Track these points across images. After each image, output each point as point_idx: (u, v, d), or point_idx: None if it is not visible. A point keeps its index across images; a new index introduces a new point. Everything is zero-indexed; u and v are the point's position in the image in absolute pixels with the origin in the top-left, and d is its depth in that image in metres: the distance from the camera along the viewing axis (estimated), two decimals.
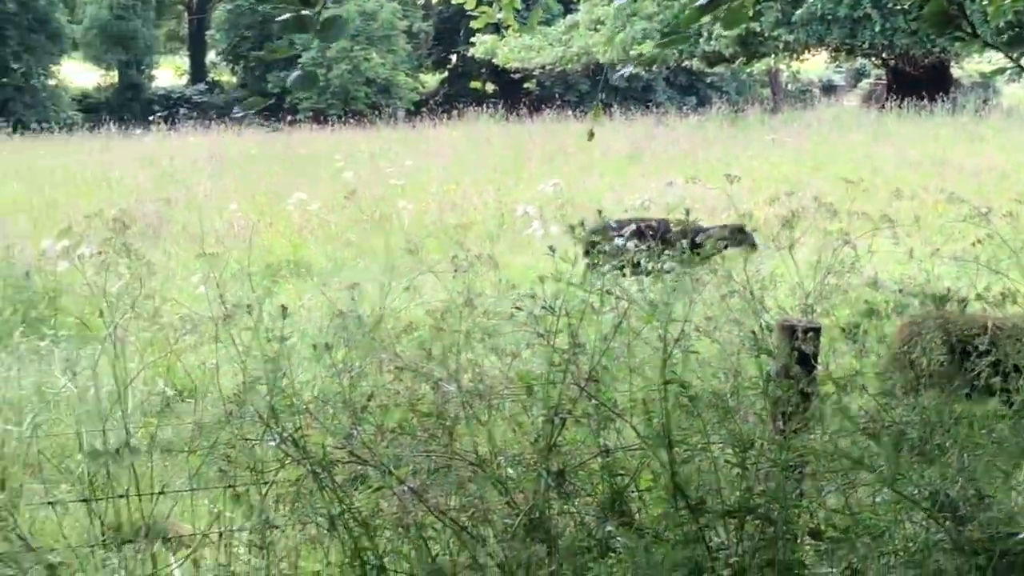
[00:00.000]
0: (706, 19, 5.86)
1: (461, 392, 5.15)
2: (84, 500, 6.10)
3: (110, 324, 6.26)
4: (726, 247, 12.79)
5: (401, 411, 5.21)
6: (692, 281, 5.42)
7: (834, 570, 4.83)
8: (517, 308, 5.20)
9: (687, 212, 6.60)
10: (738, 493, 4.94)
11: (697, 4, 5.42)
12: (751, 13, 5.76)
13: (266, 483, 5.28)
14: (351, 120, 51.61)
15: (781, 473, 4.90)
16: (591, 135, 10.25)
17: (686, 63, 49.93)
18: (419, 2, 67.44)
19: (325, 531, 5.04)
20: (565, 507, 5.10)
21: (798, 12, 43.21)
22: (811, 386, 5.18)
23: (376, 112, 55.04)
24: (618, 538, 4.94)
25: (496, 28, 9.77)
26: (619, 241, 13.06)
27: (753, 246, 13.21)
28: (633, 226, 15.34)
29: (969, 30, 4.93)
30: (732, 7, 5.46)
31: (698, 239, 5.68)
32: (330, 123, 50.75)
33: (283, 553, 5.49)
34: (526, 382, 5.15)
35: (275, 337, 5.21)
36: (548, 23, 49.72)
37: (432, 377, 5.24)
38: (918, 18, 41.38)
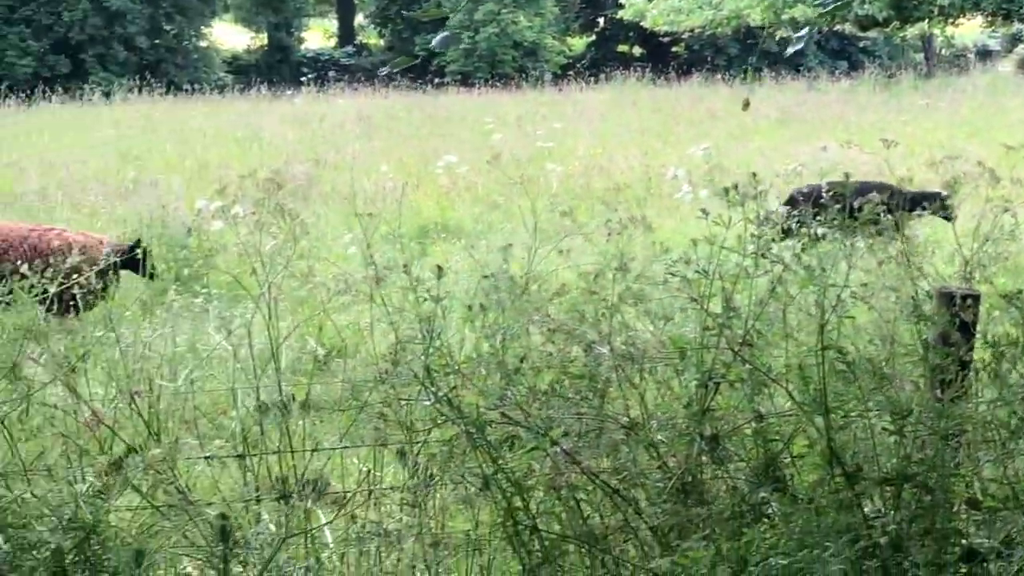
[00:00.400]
0: None
1: (613, 355, 5.14)
2: (239, 456, 6.19)
3: (263, 283, 6.33)
4: (922, 211, 12.45)
5: (553, 373, 5.21)
6: (848, 246, 5.35)
7: (992, 540, 4.76)
8: (671, 273, 5.17)
9: (847, 176, 6.52)
10: (895, 461, 4.87)
11: None
12: None
13: (418, 443, 5.32)
14: (497, 83, 51.64)
15: (940, 441, 4.83)
16: (746, 104, 10.13)
17: (838, 27, 49.26)
18: None
19: (477, 491, 5.06)
20: (718, 472, 5.07)
21: None
22: (969, 354, 5.11)
23: (522, 75, 55.01)
24: (772, 504, 4.91)
25: None
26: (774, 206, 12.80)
27: (948, 218, 12.61)
28: (803, 190, 15.10)
29: None
30: None
31: (856, 203, 5.59)
32: (476, 86, 50.81)
33: (433, 512, 5.54)
34: (679, 346, 5.13)
35: (430, 297, 5.23)
36: None
37: (584, 340, 5.23)
38: None
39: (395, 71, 50.91)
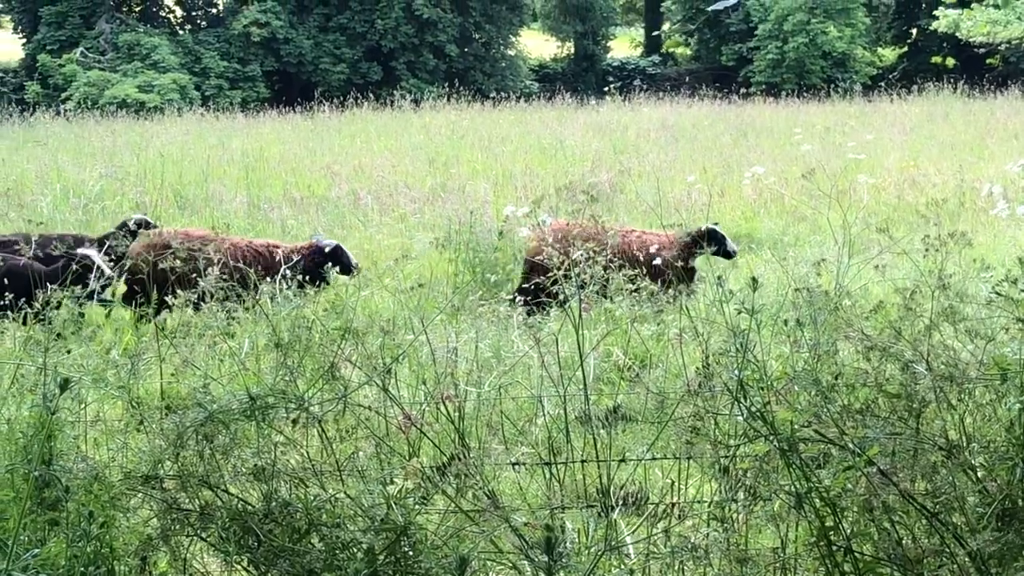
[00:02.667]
0: None
1: (931, 375, 5.00)
2: (546, 464, 6.22)
3: (572, 292, 6.35)
4: None
5: (868, 391, 5.09)
6: None
7: None
8: (996, 293, 5.00)
9: None
10: None
11: None
12: None
13: (726, 457, 5.25)
14: (804, 94, 51.04)
15: None
16: None
17: None
18: None
19: (789, 508, 4.98)
20: None
21: None
22: None
23: (831, 86, 54.28)
24: None
25: (962, 1, 9.45)
26: None
27: None
28: None
29: None
30: None
31: None
32: (783, 96, 50.30)
33: (737, 527, 5.46)
34: (1002, 367, 4.95)
35: (744, 309, 5.16)
36: None
37: (901, 358, 5.10)
38: None
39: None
